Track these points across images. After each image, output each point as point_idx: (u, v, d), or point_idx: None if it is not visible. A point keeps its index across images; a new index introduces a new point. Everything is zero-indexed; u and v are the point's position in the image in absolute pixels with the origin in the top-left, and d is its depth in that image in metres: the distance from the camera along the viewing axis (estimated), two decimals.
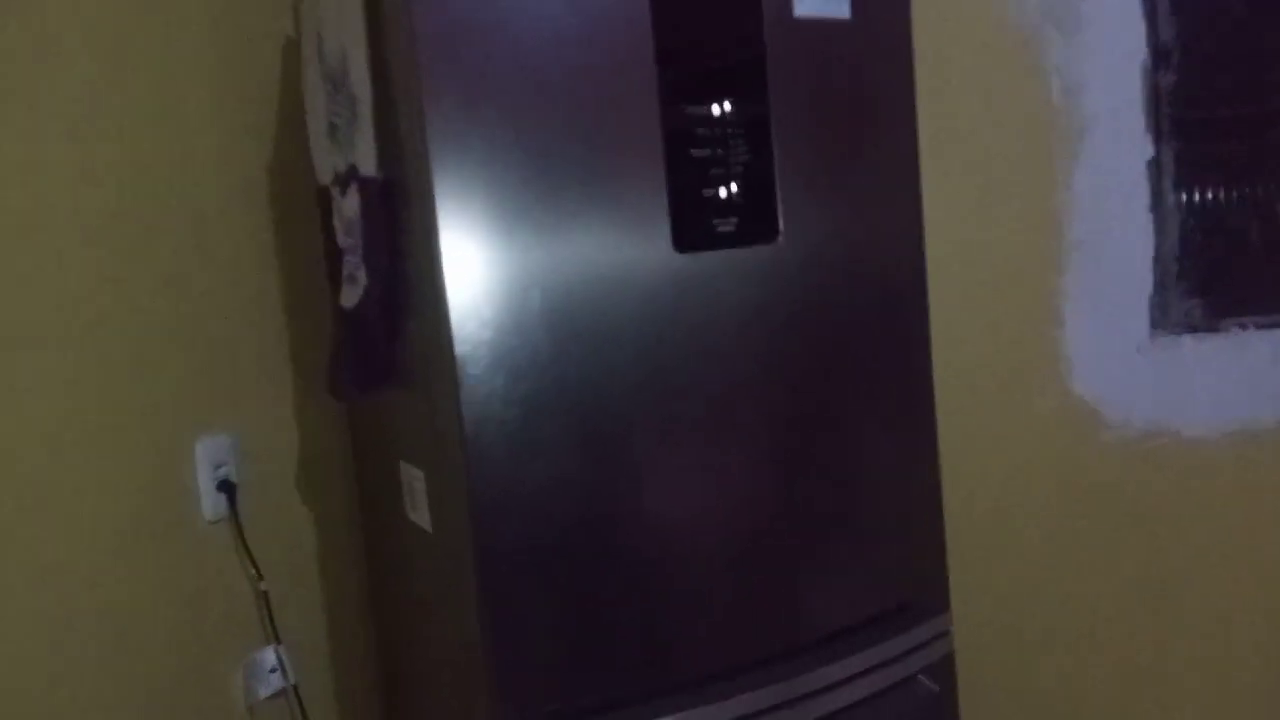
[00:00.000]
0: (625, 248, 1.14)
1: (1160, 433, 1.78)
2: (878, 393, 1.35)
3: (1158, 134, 1.73)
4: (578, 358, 1.13)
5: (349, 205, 1.27)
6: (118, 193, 1.34)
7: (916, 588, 1.38)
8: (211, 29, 1.46)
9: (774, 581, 1.28)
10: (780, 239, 1.22)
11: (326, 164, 1.35)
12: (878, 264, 1.32)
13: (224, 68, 1.47)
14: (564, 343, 1.13)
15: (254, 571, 1.48)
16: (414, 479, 1.31)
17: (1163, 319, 1.76)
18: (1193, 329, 1.75)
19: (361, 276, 1.27)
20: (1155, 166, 1.74)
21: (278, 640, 1.52)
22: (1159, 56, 1.72)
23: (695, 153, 1.15)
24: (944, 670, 1.39)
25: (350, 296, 1.31)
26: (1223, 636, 1.81)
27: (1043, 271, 1.79)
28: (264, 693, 1.50)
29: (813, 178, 1.25)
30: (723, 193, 1.18)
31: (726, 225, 1.18)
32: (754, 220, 1.20)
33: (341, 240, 1.33)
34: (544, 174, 1.11)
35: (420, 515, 1.30)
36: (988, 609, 1.91)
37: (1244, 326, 1.73)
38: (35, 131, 1.26)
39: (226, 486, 1.44)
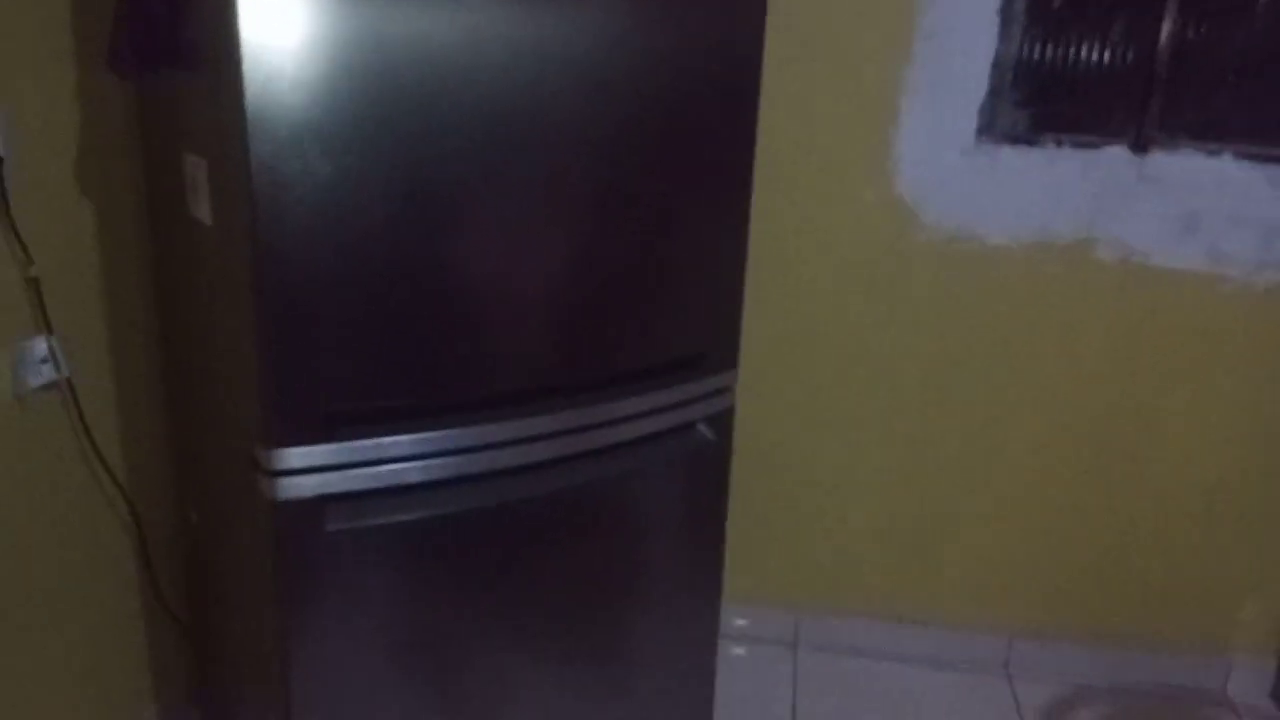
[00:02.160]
0: None
1: (967, 237, 1.86)
2: (696, 156, 1.33)
3: None
4: (371, 56, 1.06)
5: None
6: None
7: (709, 343, 1.43)
8: None
9: (571, 317, 1.29)
10: None
11: None
12: (711, 25, 1.27)
13: None
14: (363, 27, 1.05)
15: (22, 254, 1.38)
16: (196, 169, 1.22)
17: (989, 126, 1.80)
18: (1014, 140, 1.81)
19: None
20: None
21: (49, 329, 1.45)
22: None
23: None
24: (722, 423, 1.47)
25: None
26: (996, 423, 1.98)
27: (888, 62, 1.79)
28: (35, 382, 1.44)
29: None
30: None
31: None
32: None
33: None
34: None
35: (201, 207, 1.23)
36: (780, 383, 2.02)
37: (1060, 142, 1.79)
38: None
39: None
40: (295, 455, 1.12)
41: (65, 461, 1.52)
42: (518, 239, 1.22)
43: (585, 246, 1.27)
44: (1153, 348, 1.87)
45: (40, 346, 1.44)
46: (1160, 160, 1.77)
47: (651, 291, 1.35)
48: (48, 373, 1.45)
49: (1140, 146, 1.77)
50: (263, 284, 1.08)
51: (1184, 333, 1.84)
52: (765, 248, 1.93)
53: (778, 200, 1.89)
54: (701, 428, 1.44)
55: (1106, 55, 1.77)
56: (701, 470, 1.47)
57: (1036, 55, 1.78)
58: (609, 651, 1.45)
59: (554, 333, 1.28)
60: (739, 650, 2.20)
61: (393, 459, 1.17)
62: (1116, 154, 1.77)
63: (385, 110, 1.08)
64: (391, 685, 1.27)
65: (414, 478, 1.19)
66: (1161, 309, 1.84)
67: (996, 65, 1.77)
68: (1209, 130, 1.76)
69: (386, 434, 1.17)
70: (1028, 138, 1.80)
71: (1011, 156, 1.80)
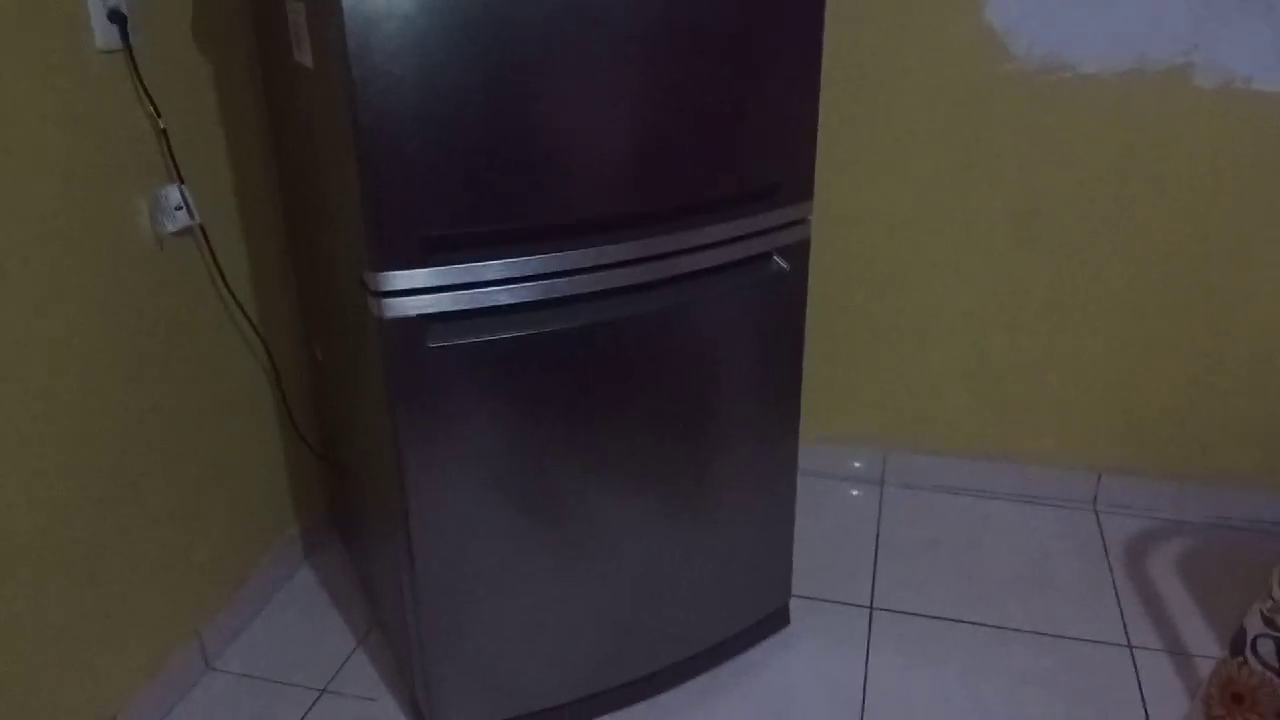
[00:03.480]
0: None
1: (1058, 66, 1.81)
2: (771, 21, 1.35)
3: None
4: None
5: None
6: None
7: (783, 174, 1.47)
8: None
9: (650, 148, 1.34)
10: None
11: None
12: None
13: None
14: None
15: (152, 109, 1.52)
16: (297, 15, 1.32)
17: None
18: None
19: None
20: None
21: (180, 179, 1.59)
22: None
23: None
24: (798, 254, 1.52)
25: None
26: (1086, 262, 1.97)
27: None
28: (170, 228, 1.60)
29: None
30: None
31: None
32: None
33: None
34: None
35: (304, 54, 1.33)
36: (861, 220, 2.04)
37: None
38: None
39: (117, 16, 1.44)
40: (398, 278, 1.24)
41: (203, 301, 1.69)
42: (598, 76, 1.28)
43: (662, 82, 1.32)
44: (1251, 179, 1.80)
45: (174, 194, 1.59)
46: None
47: (726, 123, 1.39)
48: (182, 219, 1.60)
49: None
50: (359, 120, 1.17)
51: None
52: (847, 83, 1.93)
53: (861, 32, 1.87)
54: (777, 258, 1.50)
55: None
56: (778, 301, 1.53)
57: None
58: (692, 476, 1.56)
59: (633, 164, 1.34)
60: (826, 485, 2.30)
61: (484, 283, 1.28)
62: None
63: None
64: (494, 495, 1.41)
65: (504, 300, 1.29)
66: (1264, 137, 1.77)
67: None
68: None
69: (478, 259, 1.27)
70: None
71: None
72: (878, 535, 2.11)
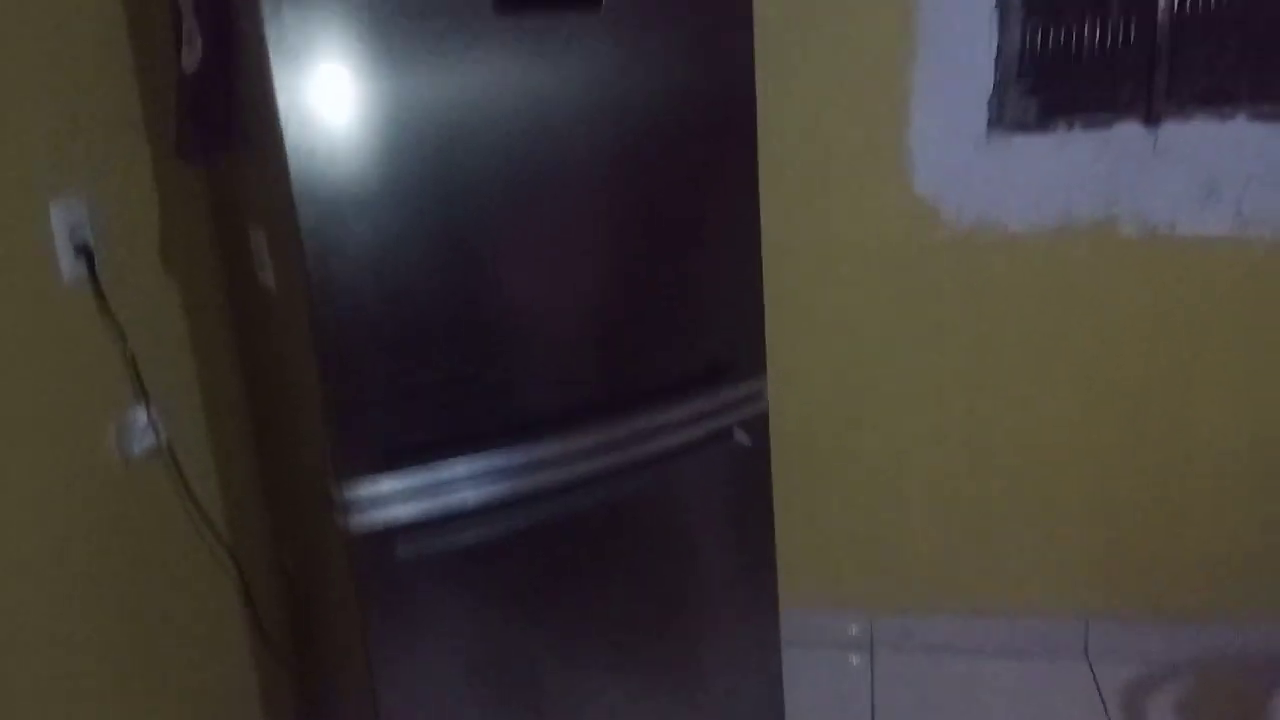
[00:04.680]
0: (446, 8, 1.18)
1: (989, 228, 1.91)
2: (703, 171, 1.43)
3: None
4: (402, 115, 1.19)
5: None
6: None
7: (735, 351, 1.51)
8: None
9: (604, 336, 1.39)
10: (602, 8, 1.27)
11: None
12: (705, 48, 1.38)
13: None
14: (388, 99, 1.18)
15: (117, 333, 1.55)
16: (259, 240, 1.37)
17: (999, 118, 1.86)
18: (1025, 128, 1.86)
19: (197, 38, 1.29)
20: None
21: (147, 399, 1.61)
22: None
23: None
24: (758, 427, 1.55)
25: (189, 59, 1.33)
26: (1037, 406, 2.01)
27: (893, 66, 1.86)
28: (138, 449, 1.60)
29: None
30: None
31: None
32: None
33: (180, 1, 1.34)
34: None
35: (266, 276, 1.38)
36: (816, 387, 2.08)
37: (1070, 126, 1.83)
38: None
39: (84, 251, 1.49)
40: (363, 489, 1.25)
41: (171, 519, 1.68)
42: (546, 269, 1.33)
43: (608, 270, 1.38)
44: (1187, 315, 1.88)
45: (141, 416, 1.60)
46: (1173, 131, 1.79)
47: (675, 306, 1.45)
48: (149, 440, 1.61)
49: (1152, 120, 1.80)
50: (320, 338, 1.21)
51: (1218, 297, 1.85)
52: (788, 254, 2.01)
53: (796, 206, 1.97)
54: (738, 433, 1.52)
55: (1107, 34, 1.81)
56: (743, 474, 1.55)
57: (1037, 43, 1.84)
58: (673, 659, 1.54)
59: (588, 353, 1.39)
60: (814, 654, 2.25)
61: (449, 484, 1.29)
62: (1129, 130, 1.81)
63: (416, 169, 1.21)
64: (472, 701, 1.37)
65: (471, 501, 1.30)
66: (1193, 277, 1.85)
67: (1000, 57, 1.83)
68: (1218, 95, 1.78)
69: (442, 461, 1.28)
70: (1039, 124, 1.85)
71: (1025, 144, 1.85)
72: (873, 704, 2.06)
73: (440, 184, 1.23)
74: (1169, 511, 2.01)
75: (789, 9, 1.83)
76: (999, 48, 1.82)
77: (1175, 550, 2.03)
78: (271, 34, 1.11)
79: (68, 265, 1.48)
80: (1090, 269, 1.90)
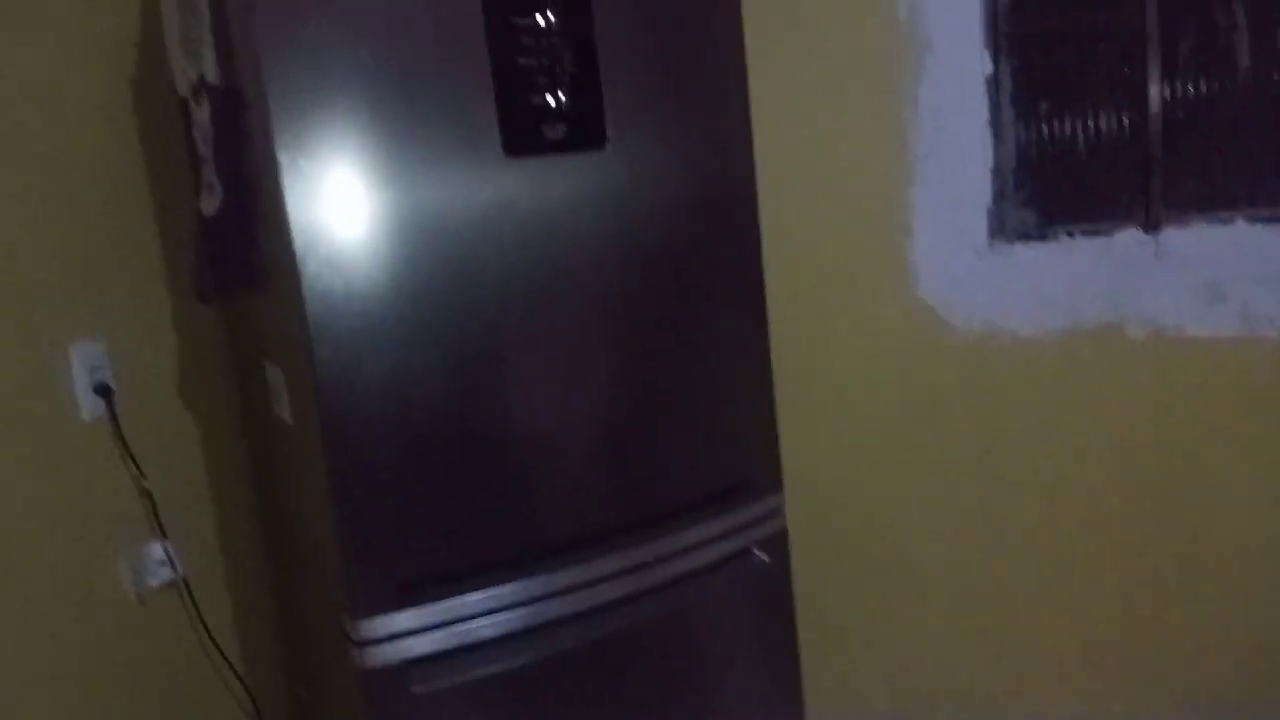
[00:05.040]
0: (457, 152, 1.22)
1: (997, 334, 1.92)
2: (710, 290, 1.46)
3: (995, 50, 1.84)
4: (414, 257, 1.22)
5: (202, 114, 1.33)
6: None
7: (751, 468, 1.51)
8: None
9: (615, 462, 1.39)
10: (608, 146, 1.31)
11: (183, 75, 1.40)
12: (706, 172, 1.42)
13: None
14: (400, 243, 1.21)
15: (135, 471, 1.56)
16: (276, 376, 1.39)
17: (1000, 228, 1.89)
18: (1027, 237, 1.89)
19: (217, 184, 1.34)
20: (994, 82, 1.85)
21: (164, 535, 1.61)
22: None
23: (522, 61, 1.23)
24: (777, 545, 1.53)
25: (208, 204, 1.37)
26: (1050, 516, 1.98)
27: (891, 182, 1.90)
28: (154, 583, 1.60)
29: (640, 89, 1.33)
30: (550, 100, 1.26)
31: (555, 132, 1.26)
32: (581, 127, 1.28)
33: (200, 149, 1.39)
34: (377, 82, 1.18)
35: (283, 410, 1.39)
36: (831, 498, 2.06)
37: (1071, 234, 1.86)
38: None
39: (103, 390, 1.51)
40: (378, 624, 1.23)
41: (185, 652, 1.66)
42: (559, 393, 1.35)
43: (620, 390, 1.39)
44: (1197, 416, 1.87)
45: (157, 550, 1.60)
46: (1174, 235, 1.82)
47: (688, 423, 1.45)
48: (164, 573, 1.61)
49: (1151, 226, 1.83)
50: (334, 473, 1.22)
51: (1227, 396, 1.84)
52: (796, 364, 2.02)
53: (802, 320, 1.98)
54: (756, 552, 1.51)
55: (1100, 144, 1.86)
56: (764, 592, 1.52)
57: (1034, 156, 1.88)
58: None
59: (602, 477, 1.38)
60: None
61: (465, 617, 1.27)
62: (1130, 236, 1.83)
63: (429, 303, 1.24)
64: None
65: (487, 633, 1.28)
66: (1201, 377, 1.85)
67: (996, 171, 1.87)
68: (1216, 199, 1.81)
69: (457, 594, 1.27)
70: (1040, 233, 1.88)
71: (1027, 253, 1.88)
72: None
73: (453, 317, 1.26)
74: (1184, 607, 1.96)
75: (789, 131, 1.88)
76: (994, 162, 1.86)
77: (1193, 644, 1.97)
78: (288, 182, 1.15)
79: (87, 404, 1.51)
80: (1099, 371, 1.90)
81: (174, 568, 1.62)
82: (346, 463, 1.22)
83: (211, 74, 1.25)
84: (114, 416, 1.53)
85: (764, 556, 1.51)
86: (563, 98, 1.26)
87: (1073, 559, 2.00)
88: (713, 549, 1.46)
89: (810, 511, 2.06)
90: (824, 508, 2.07)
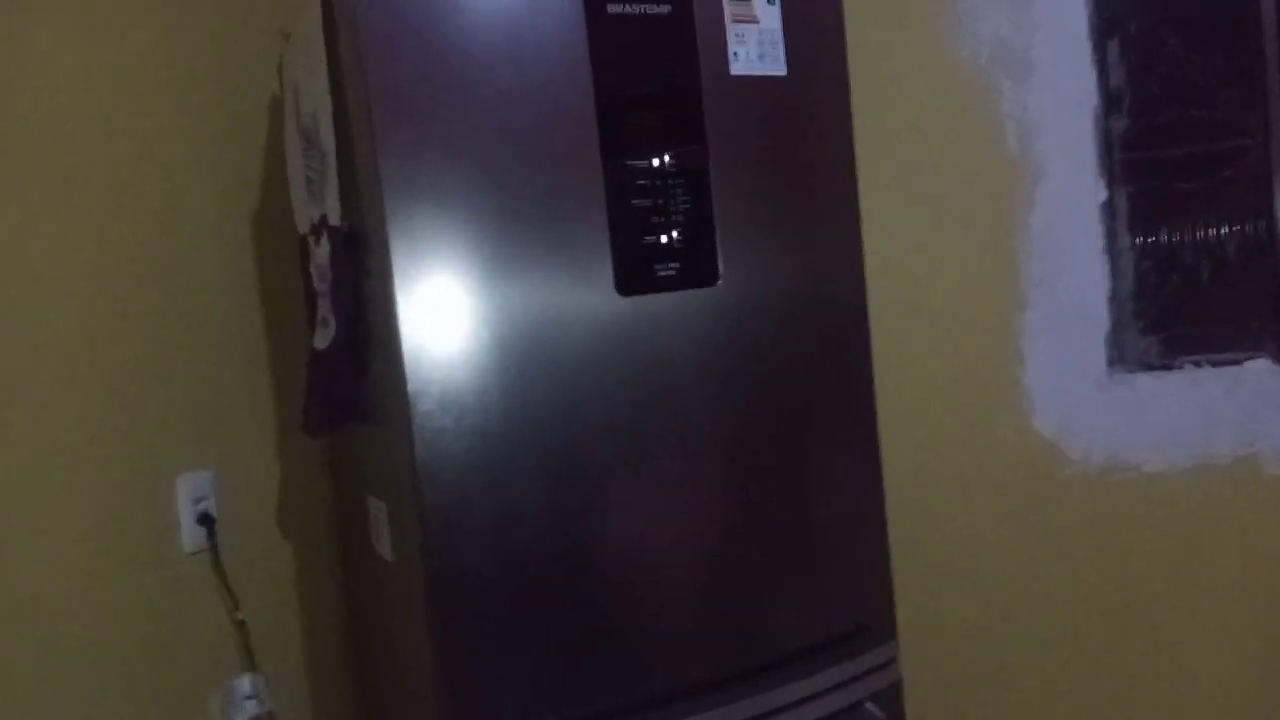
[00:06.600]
0: (570, 291, 1.21)
1: (1120, 467, 1.81)
2: (822, 424, 1.40)
3: (1110, 177, 1.79)
4: (525, 395, 1.20)
5: (321, 253, 1.35)
6: (105, 237, 1.43)
7: (864, 614, 1.42)
8: (203, 85, 1.55)
9: (724, 606, 1.33)
10: (720, 282, 1.29)
11: (304, 214, 1.43)
12: (817, 305, 1.39)
13: (213, 121, 1.57)
14: (512, 381, 1.19)
15: (230, 601, 1.54)
16: (378, 511, 1.37)
17: (1120, 357, 1.81)
18: (1149, 366, 1.80)
19: (331, 320, 1.35)
20: (1109, 209, 1.80)
21: (254, 668, 1.58)
22: (1110, 101, 1.78)
23: (636, 202, 1.22)
24: (891, 698, 1.43)
25: (322, 338, 1.38)
26: (1184, 668, 1.83)
27: (1003, 310, 1.84)
28: (239, 718, 1.56)
29: (752, 225, 1.31)
30: (663, 239, 1.25)
31: (667, 270, 1.25)
32: (694, 265, 1.27)
33: (316, 285, 1.41)
34: (493, 222, 1.18)
35: (383, 545, 1.36)
36: (948, 641, 1.94)
37: (1198, 364, 1.77)
38: (28, 180, 1.35)
39: (206, 520, 1.51)
40: None
41: None
42: (667, 533, 1.29)
43: (730, 530, 1.33)
44: None
45: (245, 684, 1.57)
46: None
47: (800, 566, 1.38)
48: (252, 708, 1.57)
49: None
50: (435, 613, 1.18)
51: None
52: (907, 500, 1.93)
53: (917, 449, 1.91)
54: (870, 707, 1.41)
55: (1226, 270, 1.78)
56: None
57: (1154, 284, 1.80)
58: None
59: (711, 625, 1.32)
60: None
61: None
62: (1261, 367, 1.73)
63: (538, 445, 1.21)
64: None
65: None
66: None
67: (1114, 299, 1.80)
68: None
69: None
70: (1163, 363, 1.79)
71: (1150, 383, 1.79)
72: None
73: (563, 455, 1.22)
74: None
75: (899, 259, 1.85)
76: (1112, 290, 1.80)
77: None
78: (404, 320, 1.15)
79: (189, 534, 1.51)
80: (1234, 506, 1.77)
81: (261, 701, 1.58)
82: (448, 603, 1.18)
83: (334, 215, 1.27)
84: (214, 547, 1.52)
85: (879, 713, 1.41)
86: (676, 236, 1.25)
87: (1210, 701, 1.83)
88: (823, 702, 1.36)
89: (925, 660, 1.94)
90: (940, 654, 1.95)
